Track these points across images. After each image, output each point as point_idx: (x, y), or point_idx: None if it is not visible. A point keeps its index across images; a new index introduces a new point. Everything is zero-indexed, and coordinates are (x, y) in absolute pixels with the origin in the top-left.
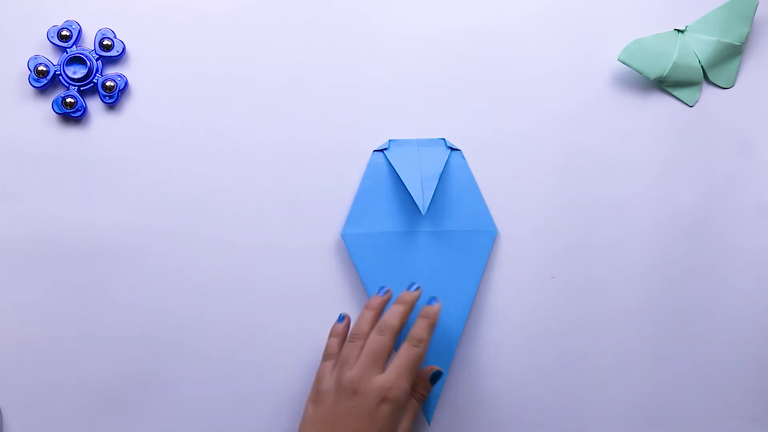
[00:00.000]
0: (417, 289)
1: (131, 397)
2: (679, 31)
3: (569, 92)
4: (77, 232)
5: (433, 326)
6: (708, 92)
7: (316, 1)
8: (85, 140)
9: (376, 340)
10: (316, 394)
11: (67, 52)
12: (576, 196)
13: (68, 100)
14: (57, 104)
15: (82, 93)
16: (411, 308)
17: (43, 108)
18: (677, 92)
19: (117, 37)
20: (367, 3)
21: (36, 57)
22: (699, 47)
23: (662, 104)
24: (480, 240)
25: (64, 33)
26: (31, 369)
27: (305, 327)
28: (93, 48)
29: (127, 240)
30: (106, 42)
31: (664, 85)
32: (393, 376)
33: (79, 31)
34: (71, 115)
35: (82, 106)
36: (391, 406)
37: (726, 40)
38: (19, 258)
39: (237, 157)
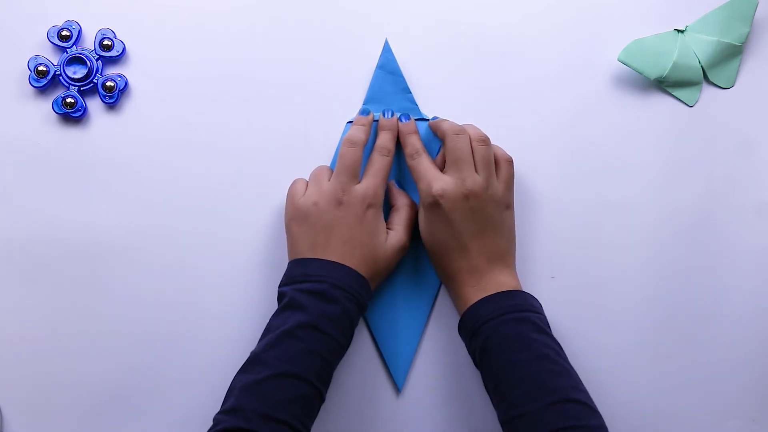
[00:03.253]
0: (393, 115)
1: (131, 396)
2: (679, 31)
3: (569, 92)
4: (77, 232)
5: (395, 135)
6: (708, 92)
7: (317, 0)
8: (85, 140)
9: (348, 154)
10: (296, 212)
11: (67, 52)
12: (576, 196)
13: (68, 100)
14: (57, 104)
15: (82, 93)
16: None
17: (43, 108)
18: (677, 92)
19: (117, 37)
20: (367, 3)
21: (36, 57)
22: (699, 47)
23: (662, 104)
24: None
25: (64, 33)
26: (31, 369)
27: None
28: (93, 48)
29: (127, 240)
30: (106, 42)
31: (664, 85)
32: (371, 183)
33: (79, 31)
34: (71, 115)
35: (82, 106)
36: (375, 210)
37: (726, 40)
38: (19, 258)
39: (237, 157)
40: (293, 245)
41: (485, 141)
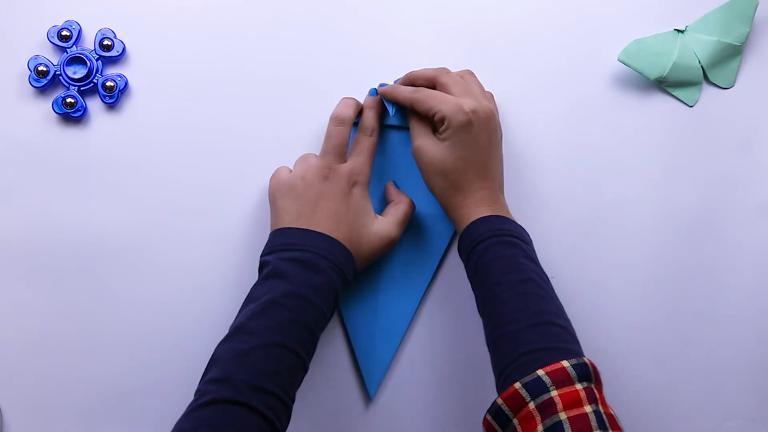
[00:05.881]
0: (376, 93)
1: (131, 396)
2: (679, 31)
3: (569, 92)
4: (77, 231)
5: (378, 113)
6: (708, 92)
7: (317, 0)
8: (85, 140)
9: (335, 133)
10: (281, 185)
11: (67, 52)
12: (576, 195)
13: (68, 100)
14: (57, 104)
15: (82, 93)
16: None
17: (43, 108)
18: (677, 92)
19: (117, 37)
20: (367, 3)
21: (36, 57)
22: (699, 47)
23: (662, 104)
24: (441, 227)
25: (64, 33)
26: (31, 369)
27: None
28: (93, 48)
29: (127, 239)
30: (106, 42)
31: (664, 85)
32: (357, 162)
33: (79, 31)
34: (71, 115)
35: (82, 106)
36: (361, 188)
37: (726, 40)
38: (19, 258)
39: (237, 157)
40: (277, 216)
41: (470, 72)
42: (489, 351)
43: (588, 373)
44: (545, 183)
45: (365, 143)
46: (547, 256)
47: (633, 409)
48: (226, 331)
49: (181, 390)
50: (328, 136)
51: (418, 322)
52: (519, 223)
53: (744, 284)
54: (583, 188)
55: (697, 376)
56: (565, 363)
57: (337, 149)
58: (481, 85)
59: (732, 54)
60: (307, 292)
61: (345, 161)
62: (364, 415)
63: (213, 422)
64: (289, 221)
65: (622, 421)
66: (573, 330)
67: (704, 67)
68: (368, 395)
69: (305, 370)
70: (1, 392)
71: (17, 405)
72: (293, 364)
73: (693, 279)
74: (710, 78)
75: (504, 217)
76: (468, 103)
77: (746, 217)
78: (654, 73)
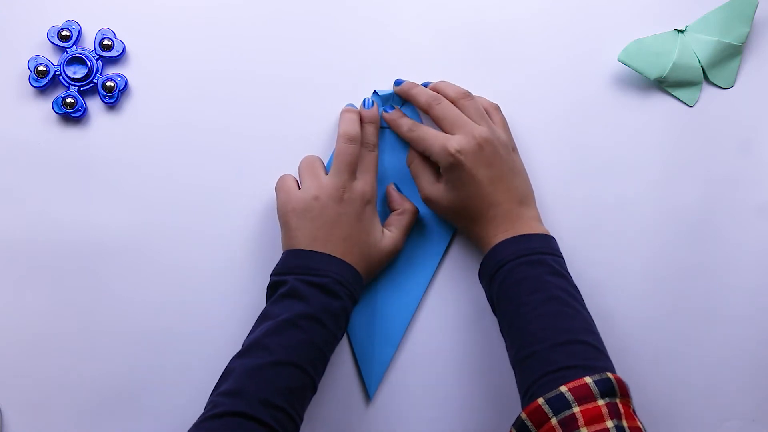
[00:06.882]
0: (373, 104)
1: (131, 396)
2: (679, 31)
3: (569, 92)
4: (77, 231)
5: (378, 127)
6: (708, 92)
7: (317, 0)
8: (85, 140)
9: (347, 151)
10: (295, 204)
11: (67, 52)
12: (576, 195)
13: (68, 100)
14: (57, 104)
15: (82, 93)
16: (361, 117)
17: (43, 108)
18: (677, 92)
19: (117, 37)
20: (367, 3)
21: (36, 57)
22: (699, 47)
23: (662, 104)
24: (441, 227)
25: (64, 33)
26: (31, 369)
27: None
28: (93, 48)
29: (127, 239)
30: (106, 42)
31: (664, 85)
32: (368, 180)
33: (79, 31)
34: (71, 115)
35: (82, 106)
36: (372, 207)
37: (726, 40)
38: (19, 258)
39: (237, 157)
40: (291, 237)
41: (467, 95)
42: (514, 371)
43: (612, 389)
44: (545, 183)
45: (370, 159)
46: None
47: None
48: (225, 331)
49: (181, 390)
50: (340, 153)
51: (418, 322)
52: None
53: (744, 284)
54: (583, 188)
55: (697, 375)
56: (588, 379)
57: (351, 167)
58: (478, 105)
59: (732, 54)
60: (322, 316)
61: (356, 178)
62: (364, 415)
63: None
64: (304, 243)
65: None
66: (601, 343)
67: (704, 67)
68: (368, 395)
69: (314, 390)
70: (1, 392)
71: (17, 405)
72: (304, 384)
73: (693, 279)
74: (710, 78)
75: (526, 235)
76: (454, 143)
77: (746, 217)
78: (654, 73)
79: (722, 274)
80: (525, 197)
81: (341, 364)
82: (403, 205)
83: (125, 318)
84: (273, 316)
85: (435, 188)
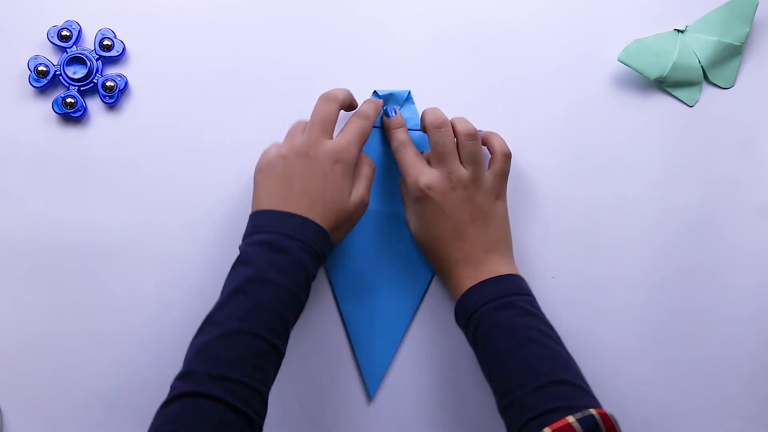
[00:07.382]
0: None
1: (131, 397)
2: (679, 31)
3: (569, 92)
4: (77, 231)
5: (378, 108)
6: (708, 92)
7: (318, 0)
8: (85, 140)
9: (322, 108)
10: (262, 163)
11: (67, 52)
12: (576, 196)
13: (68, 100)
14: (57, 104)
15: (82, 93)
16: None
17: (43, 108)
18: (677, 92)
19: (117, 37)
20: (367, 3)
21: (36, 57)
22: (699, 47)
23: (662, 104)
24: None
25: (64, 33)
26: (31, 369)
27: (309, 327)
28: (93, 48)
29: (127, 239)
30: (106, 42)
31: (664, 85)
32: (344, 141)
33: (79, 31)
34: (71, 115)
35: (82, 106)
36: (343, 167)
37: (726, 40)
38: (19, 258)
39: (237, 157)
40: (256, 198)
41: (472, 135)
42: (503, 420)
43: (595, 425)
44: (545, 183)
45: (356, 124)
46: (547, 256)
47: (633, 409)
48: None
49: None
50: (315, 111)
51: (418, 321)
52: (517, 224)
53: (744, 284)
54: (583, 188)
55: (698, 376)
56: (571, 418)
57: (322, 124)
58: (475, 149)
59: (732, 54)
60: (270, 275)
61: (331, 137)
62: (364, 414)
63: (175, 417)
64: (267, 203)
65: (623, 422)
66: (581, 379)
67: (704, 67)
68: (368, 395)
69: (279, 353)
70: (1, 392)
71: (17, 405)
72: (261, 350)
73: (693, 279)
74: (710, 78)
75: (492, 278)
76: (425, 179)
77: (746, 217)
78: (654, 73)
79: (722, 274)
80: (496, 245)
81: (341, 364)
82: (361, 159)
83: (125, 318)
84: (224, 288)
85: (408, 213)
